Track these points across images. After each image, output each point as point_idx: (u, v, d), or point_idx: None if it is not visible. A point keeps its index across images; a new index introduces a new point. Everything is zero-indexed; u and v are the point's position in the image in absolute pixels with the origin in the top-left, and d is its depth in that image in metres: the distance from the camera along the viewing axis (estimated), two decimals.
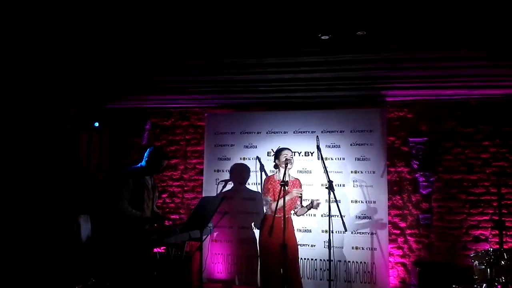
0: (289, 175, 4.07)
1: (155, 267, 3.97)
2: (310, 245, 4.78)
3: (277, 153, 4.14)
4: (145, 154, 4.00)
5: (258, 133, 5.13)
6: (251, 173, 5.03)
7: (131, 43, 3.59)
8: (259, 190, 4.92)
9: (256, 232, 4.84)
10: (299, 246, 4.15)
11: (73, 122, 4.99)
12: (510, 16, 2.90)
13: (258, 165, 5.02)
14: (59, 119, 4.84)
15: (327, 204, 3.81)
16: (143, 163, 3.98)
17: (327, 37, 3.22)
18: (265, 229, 3.92)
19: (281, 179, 3.85)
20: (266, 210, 4.09)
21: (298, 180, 4.23)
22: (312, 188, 4.77)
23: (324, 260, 4.68)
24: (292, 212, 4.13)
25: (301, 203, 4.12)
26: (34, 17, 3.10)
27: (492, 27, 3.09)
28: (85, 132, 5.17)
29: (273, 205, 3.88)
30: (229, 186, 5.08)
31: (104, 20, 3.14)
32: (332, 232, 3.80)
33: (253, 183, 5.03)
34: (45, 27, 3.26)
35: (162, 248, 4.71)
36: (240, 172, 5.05)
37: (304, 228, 4.81)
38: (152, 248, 3.95)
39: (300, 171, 4.88)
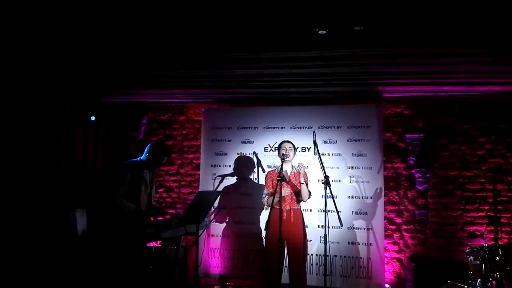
0: (292, 166, 4.08)
1: (151, 262, 3.96)
2: (307, 240, 4.78)
3: (278, 147, 4.17)
4: (146, 148, 3.93)
5: (255, 128, 5.12)
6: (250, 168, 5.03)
7: (128, 37, 3.57)
8: (256, 186, 4.93)
9: (254, 227, 4.85)
10: None
11: (68, 116, 4.97)
12: (508, 13, 2.90)
13: (255, 161, 5.02)
14: (55, 113, 4.81)
15: (324, 199, 3.82)
16: (143, 157, 3.90)
17: (324, 32, 3.21)
18: (266, 223, 3.89)
19: (279, 172, 3.85)
20: (264, 203, 4.14)
21: (298, 171, 4.12)
22: (309, 183, 4.76)
23: (320, 255, 4.69)
24: (301, 201, 4.03)
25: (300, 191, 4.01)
26: (30, 12, 3.08)
27: (490, 24, 3.09)
28: (81, 126, 5.15)
29: (270, 199, 3.89)
30: (226, 181, 5.07)
31: (102, 14, 3.12)
32: (328, 228, 3.80)
33: (251, 178, 5.03)
34: (41, 21, 3.24)
35: (158, 242, 4.71)
36: (241, 166, 5.04)
37: None
38: (147, 242, 3.93)
39: (297, 166, 4.85)
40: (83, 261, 4.56)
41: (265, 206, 4.42)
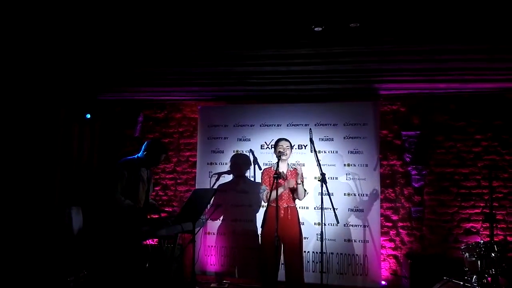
0: (288, 164, 4.08)
1: (147, 259, 3.95)
2: (303, 238, 4.78)
3: (275, 144, 4.15)
4: (143, 146, 3.90)
5: (251, 126, 5.11)
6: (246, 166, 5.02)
7: (124, 35, 3.55)
8: (253, 184, 4.92)
9: (250, 225, 4.85)
10: None
11: (64, 114, 4.95)
12: (504, 10, 2.90)
13: (252, 158, 5.01)
14: (51, 111, 4.79)
15: (320, 197, 3.82)
16: (140, 154, 3.87)
17: (320, 29, 3.20)
18: (262, 221, 3.88)
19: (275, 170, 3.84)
20: (262, 200, 4.13)
21: (296, 170, 4.06)
22: (305, 181, 4.76)
23: (316, 252, 4.70)
24: (297, 199, 4.03)
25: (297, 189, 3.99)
26: (26, 10, 3.05)
27: (487, 21, 3.09)
28: (76, 123, 5.13)
29: (269, 194, 3.88)
30: (223, 179, 5.06)
31: (98, 11, 3.10)
32: (325, 225, 3.80)
33: (247, 176, 5.02)
34: (37, 18, 3.21)
35: (154, 240, 4.70)
36: (238, 164, 5.03)
37: None
38: (144, 240, 3.92)
39: (293, 164, 4.86)
40: (80, 259, 4.54)
41: (263, 202, 4.41)
